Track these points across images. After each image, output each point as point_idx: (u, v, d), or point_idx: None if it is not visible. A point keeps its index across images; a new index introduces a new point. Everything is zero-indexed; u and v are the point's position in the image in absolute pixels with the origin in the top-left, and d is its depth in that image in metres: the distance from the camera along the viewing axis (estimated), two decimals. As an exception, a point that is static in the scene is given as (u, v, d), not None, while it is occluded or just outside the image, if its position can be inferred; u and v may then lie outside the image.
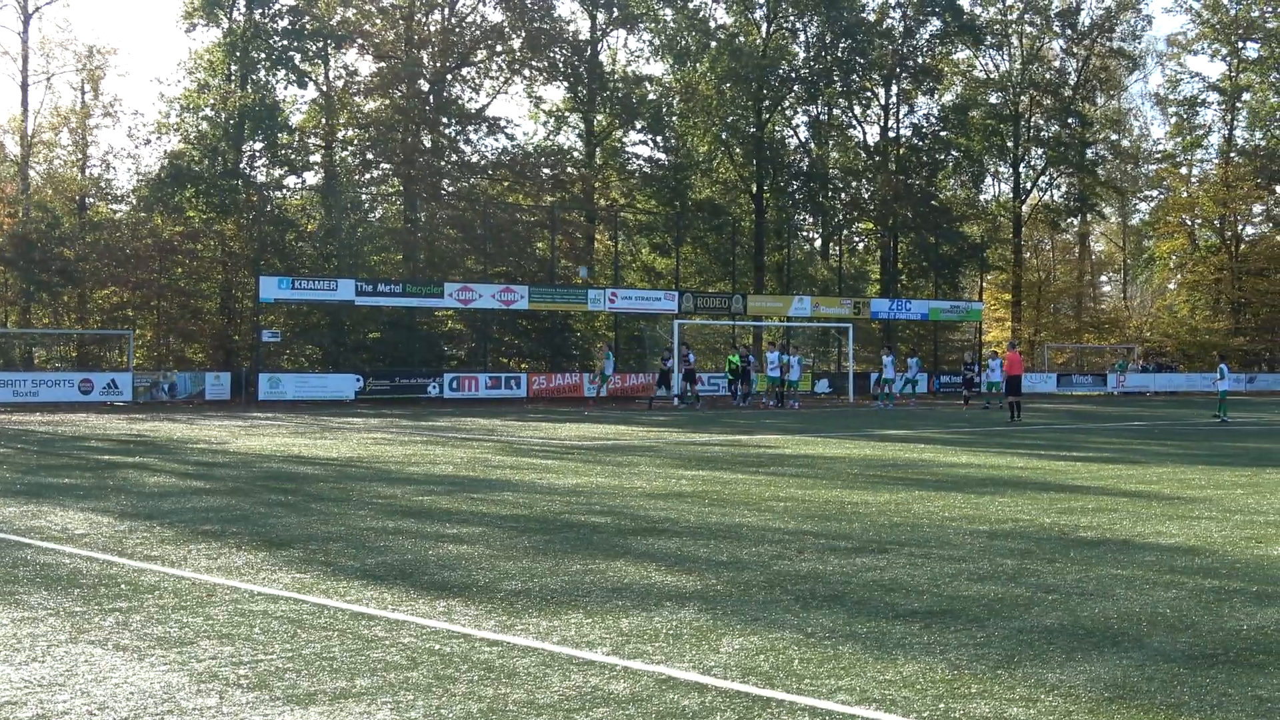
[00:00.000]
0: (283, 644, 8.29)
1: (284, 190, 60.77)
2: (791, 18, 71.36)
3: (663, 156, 69.63)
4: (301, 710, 6.82)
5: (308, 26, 56.83)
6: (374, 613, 9.30)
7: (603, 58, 68.24)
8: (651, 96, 67.60)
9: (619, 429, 33.27)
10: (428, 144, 60.13)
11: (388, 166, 60.50)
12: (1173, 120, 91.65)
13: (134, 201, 57.15)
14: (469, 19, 62.13)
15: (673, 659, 7.96)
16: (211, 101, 56.11)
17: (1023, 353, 58.48)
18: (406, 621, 9.00)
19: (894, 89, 74.63)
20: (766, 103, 70.27)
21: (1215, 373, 42.78)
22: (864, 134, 76.64)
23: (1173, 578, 11.04)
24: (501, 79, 64.17)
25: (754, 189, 70.42)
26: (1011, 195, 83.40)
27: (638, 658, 7.98)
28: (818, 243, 78.85)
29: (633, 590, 10.21)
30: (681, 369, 47.81)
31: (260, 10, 56.48)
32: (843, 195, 74.71)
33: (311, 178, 61.41)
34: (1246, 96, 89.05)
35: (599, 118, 67.57)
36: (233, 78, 56.76)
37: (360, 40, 58.84)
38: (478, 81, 63.51)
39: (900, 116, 76.04)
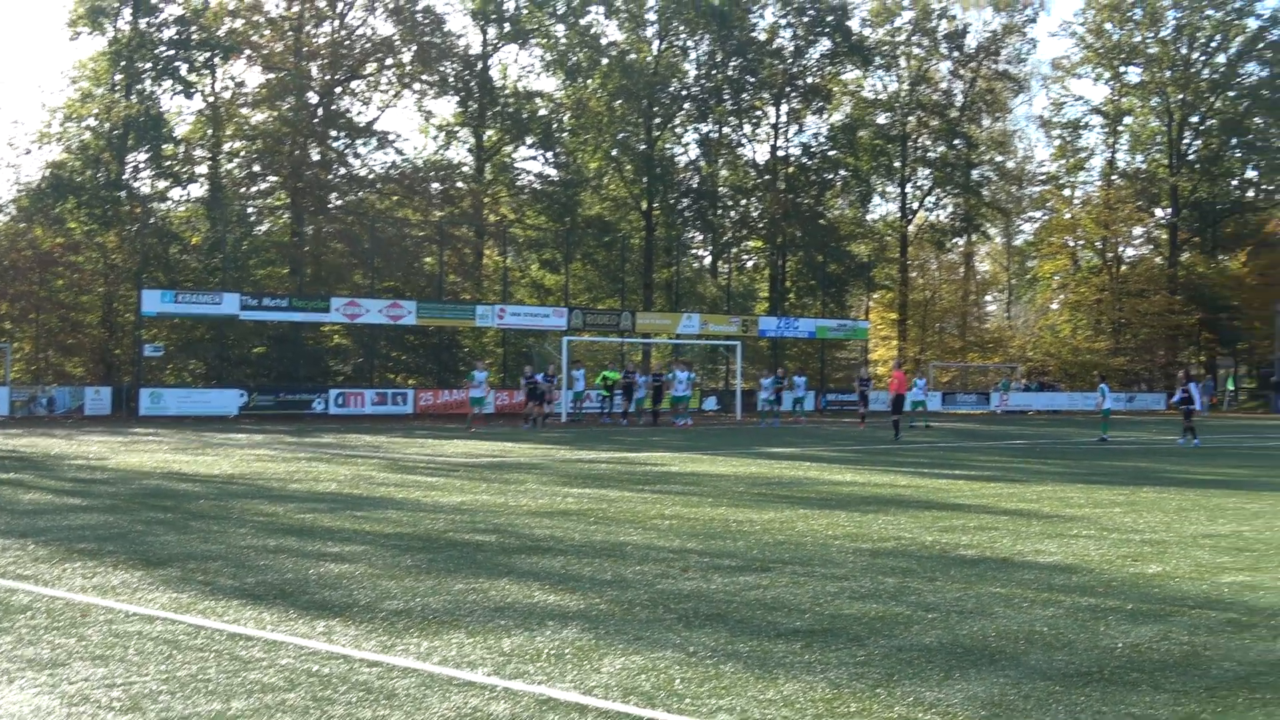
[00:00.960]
0: (157, 665, 8.16)
1: (168, 202, 59.90)
2: (683, 36, 71.67)
3: (553, 172, 69.60)
4: (174, 734, 6.71)
5: (195, 36, 56.09)
6: (252, 633, 9.18)
7: (493, 73, 68.14)
8: (542, 112, 67.55)
9: (505, 446, 33.16)
10: (316, 157, 59.63)
11: (275, 179, 59.96)
12: (1056, 143, 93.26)
13: (13, 212, 55.99)
14: (359, 31, 61.78)
15: (554, 679, 7.93)
16: (95, 111, 55.16)
17: (908, 372, 59.06)
18: (285, 642, 8.89)
19: (783, 108, 75.19)
20: (657, 120, 70.52)
21: (1096, 392, 43.42)
22: (754, 152, 77.27)
23: (1050, 596, 11.19)
24: (391, 92, 63.85)
25: (644, 206, 70.59)
26: (898, 215, 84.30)
27: (519, 678, 7.95)
28: (707, 260, 79.18)
29: (515, 610, 10.17)
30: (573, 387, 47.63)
31: (146, 19, 55.66)
32: (732, 213, 75.17)
33: (196, 190, 60.66)
34: (1128, 120, 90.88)
35: (489, 133, 67.43)
36: (117, 87, 55.87)
37: (248, 51, 58.23)
38: (367, 95, 63.15)
39: (789, 135, 76.68)
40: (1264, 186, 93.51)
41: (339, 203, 61.30)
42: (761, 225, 73.43)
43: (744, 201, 75.63)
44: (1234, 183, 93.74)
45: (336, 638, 9.05)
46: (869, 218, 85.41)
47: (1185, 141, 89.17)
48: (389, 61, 61.98)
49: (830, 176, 77.21)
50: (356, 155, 61.92)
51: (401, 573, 11.95)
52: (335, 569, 12.17)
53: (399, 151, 63.04)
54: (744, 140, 76.64)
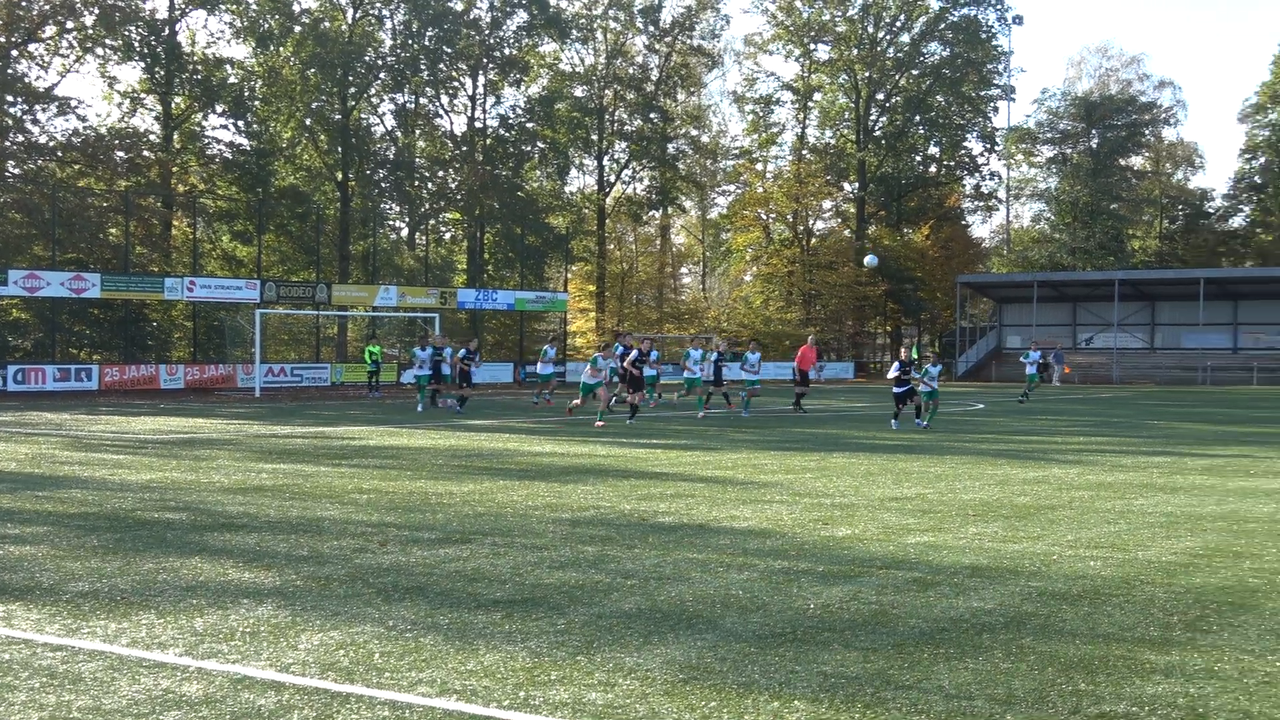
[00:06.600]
0: None
1: None
2: (378, 4, 70.77)
3: (244, 142, 68.02)
4: None
5: None
6: (-76, 620, 8.73)
7: (181, 38, 66.11)
8: (233, 80, 65.95)
9: (197, 422, 32.32)
10: (-10, 123, 57.00)
11: (-54, 146, 57.13)
12: (749, 118, 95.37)
13: None
14: (37, -8, 59.19)
15: (249, 658, 7.75)
16: None
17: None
18: (-40, 628, 8.48)
19: (481, 79, 75.01)
20: (352, 89, 69.50)
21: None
22: (451, 124, 76.85)
23: (746, 560, 11.41)
24: (72, 57, 61.42)
25: (339, 176, 69.58)
26: (596, 187, 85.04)
27: (212, 657, 7.74)
28: (404, 232, 78.61)
29: (208, 588, 9.91)
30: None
31: None
32: (429, 184, 74.67)
33: None
34: (818, 96, 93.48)
35: (177, 100, 65.49)
36: None
37: (-86, 11, 55.32)
38: (46, 59, 60.59)
39: (487, 107, 76.62)
40: (945, 163, 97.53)
41: (17, 171, 58.72)
42: (459, 197, 73.13)
43: (442, 173, 75.22)
44: (917, 158, 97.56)
45: (17, 622, 8.67)
46: (567, 190, 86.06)
47: (872, 118, 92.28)
48: (70, 25, 59.59)
49: (528, 149, 77.45)
50: (35, 122, 59.34)
51: (87, 553, 11.53)
52: (15, 551, 11.67)
53: (81, 118, 60.60)
54: (441, 111, 76.30)
